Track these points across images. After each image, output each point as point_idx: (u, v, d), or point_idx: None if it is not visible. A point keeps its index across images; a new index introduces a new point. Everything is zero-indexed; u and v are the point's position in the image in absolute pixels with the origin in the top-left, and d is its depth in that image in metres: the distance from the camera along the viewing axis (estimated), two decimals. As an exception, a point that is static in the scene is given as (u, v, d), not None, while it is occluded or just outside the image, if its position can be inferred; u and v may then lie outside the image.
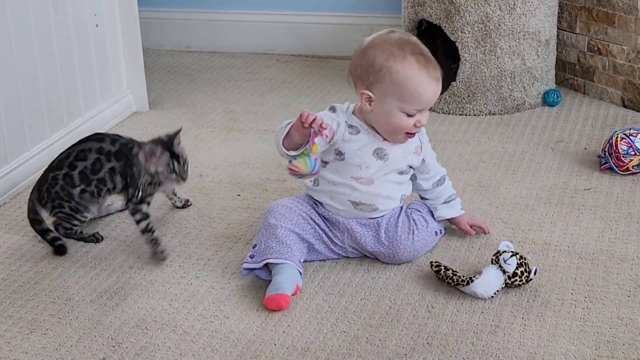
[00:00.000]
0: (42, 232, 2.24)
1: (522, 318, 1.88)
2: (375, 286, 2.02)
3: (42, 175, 2.27)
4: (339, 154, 2.04)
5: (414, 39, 2.03)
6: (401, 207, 2.13)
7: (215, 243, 2.23)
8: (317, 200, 2.12)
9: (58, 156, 2.26)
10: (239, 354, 1.79)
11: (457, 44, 2.96)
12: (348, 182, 2.05)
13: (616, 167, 2.51)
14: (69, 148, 2.26)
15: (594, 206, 2.36)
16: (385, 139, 2.04)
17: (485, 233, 2.21)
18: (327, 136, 1.94)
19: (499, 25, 2.91)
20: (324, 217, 2.11)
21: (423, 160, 2.11)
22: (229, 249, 2.20)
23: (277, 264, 2.00)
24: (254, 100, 3.25)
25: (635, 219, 2.28)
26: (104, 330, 1.88)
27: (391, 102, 1.98)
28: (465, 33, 2.93)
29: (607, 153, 2.53)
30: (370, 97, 1.99)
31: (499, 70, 2.97)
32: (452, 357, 1.75)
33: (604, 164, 2.55)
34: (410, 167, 2.10)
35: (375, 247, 2.08)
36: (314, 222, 2.10)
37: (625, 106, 3.03)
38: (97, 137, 2.25)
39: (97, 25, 2.92)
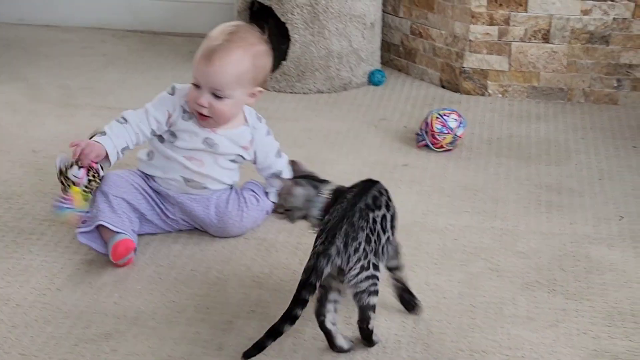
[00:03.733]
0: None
1: (340, 285, 2.03)
2: (204, 258, 2.13)
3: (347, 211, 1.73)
4: (172, 135, 2.14)
5: (243, 31, 2.13)
6: (231, 186, 2.24)
7: (48, 218, 2.28)
8: (148, 175, 2.21)
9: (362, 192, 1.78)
10: (71, 324, 1.86)
11: (287, 25, 3.09)
12: (181, 160, 2.15)
13: (432, 144, 2.71)
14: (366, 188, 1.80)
15: (410, 181, 2.55)
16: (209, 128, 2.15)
17: None
18: (97, 170, 2.09)
19: (327, 8, 3.05)
20: (156, 191, 2.20)
21: (255, 152, 2.23)
22: (62, 223, 2.25)
23: (112, 230, 2.07)
24: (89, 75, 3.28)
25: (446, 192, 2.48)
26: None
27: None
28: (295, 15, 3.06)
29: (423, 131, 2.73)
30: None
31: (327, 50, 3.12)
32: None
33: (420, 141, 2.75)
34: (242, 157, 2.21)
35: (205, 220, 2.19)
36: (147, 193, 2.19)
37: (443, 87, 3.25)
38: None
39: None
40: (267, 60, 2.16)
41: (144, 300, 1.95)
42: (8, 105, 2.98)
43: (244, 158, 2.21)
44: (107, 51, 3.55)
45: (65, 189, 2.07)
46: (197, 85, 2.09)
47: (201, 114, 2.11)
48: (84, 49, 3.57)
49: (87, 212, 2.08)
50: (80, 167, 2.06)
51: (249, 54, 2.09)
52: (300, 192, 1.85)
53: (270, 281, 2.04)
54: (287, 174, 2.25)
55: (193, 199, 2.19)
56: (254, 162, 2.24)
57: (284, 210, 1.87)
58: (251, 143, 2.21)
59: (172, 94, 2.15)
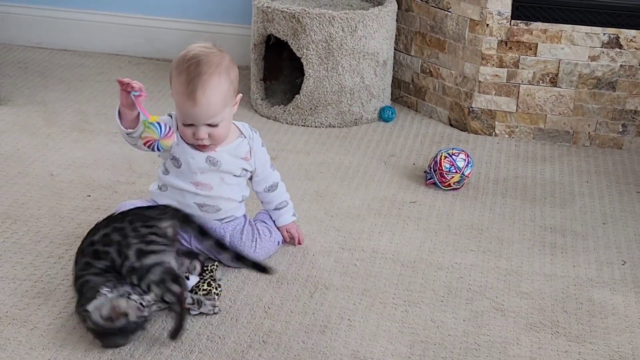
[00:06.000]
0: None
1: (349, 319, 2.09)
2: (217, 287, 2.19)
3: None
4: (175, 159, 2.20)
5: (205, 55, 2.14)
6: (245, 217, 2.31)
7: (65, 242, 2.34)
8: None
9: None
10: (87, 348, 1.92)
11: (302, 60, 3.16)
12: (191, 189, 2.21)
13: (439, 182, 2.78)
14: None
15: (417, 218, 2.61)
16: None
17: (294, 244, 2.40)
18: (145, 96, 2.07)
19: (342, 45, 3.13)
20: None
21: (254, 163, 2.28)
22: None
23: None
24: (104, 101, 3.35)
25: (452, 230, 2.54)
26: (-44, 324, 1.97)
27: (176, 108, 2.16)
28: (310, 50, 3.14)
29: (432, 169, 2.79)
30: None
31: (339, 86, 3.19)
32: (285, 354, 1.94)
33: (429, 179, 2.81)
34: (246, 170, 2.27)
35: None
36: None
37: (451, 125, 3.32)
38: None
39: (-50, 21, 2.95)
40: (235, 68, 2.20)
41: (158, 327, 2.01)
42: (25, 128, 3.05)
43: (247, 171, 2.27)
44: (123, 77, 3.60)
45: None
46: (189, 124, 2.14)
47: (201, 145, 2.18)
48: (100, 75, 3.63)
49: (165, 127, 2.07)
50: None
51: (222, 74, 2.12)
52: (131, 304, 1.89)
53: (281, 312, 2.09)
54: (283, 189, 2.36)
55: (209, 229, 2.25)
56: (253, 174, 2.30)
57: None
58: (251, 153, 2.27)
59: (171, 117, 2.22)
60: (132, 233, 1.98)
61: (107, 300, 1.88)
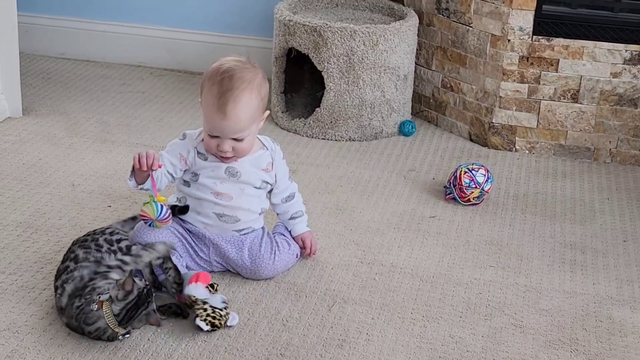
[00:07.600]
0: None
1: (367, 334, 2.08)
2: (235, 299, 2.19)
3: None
4: (194, 174, 2.22)
5: (239, 69, 2.15)
6: (263, 229, 2.32)
7: (85, 252, 2.35)
8: (183, 218, 2.28)
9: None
10: (106, 358, 1.92)
11: (323, 74, 3.17)
12: (211, 198, 2.23)
13: (459, 197, 2.77)
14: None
15: (437, 233, 2.60)
16: None
17: (308, 255, 2.40)
18: (162, 165, 2.16)
19: (363, 59, 3.13)
20: (190, 232, 2.27)
21: (275, 175, 2.30)
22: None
23: None
24: (127, 112, 3.37)
25: (472, 246, 2.53)
26: (-24, 333, 1.98)
27: (204, 119, 2.18)
28: (331, 64, 3.14)
29: (451, 184, 2.79)
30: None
31: (360, 100, 3.19)
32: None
33: (448, 194, 2.81)
34: (266, 182, 2.29)
35: (238, 262, 2.26)
36: (182, 236, 2.26)
37: (471, 140, 3.31)
38: None
39: (-25, 31, 2.98)
40: (267, 85, 2.21)
41: (176, 338, 2.01)
42: (48, 139, 3.07)
43: (267, 183, 2.28)
44: (145, 89, 3.64)
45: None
46: (215, 136, 2.16)
47: (225, 157, 2.20)
48: (122, 86, 3.65)
49: (165, 211, 2.13)
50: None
51: (254, 90, 2.14)
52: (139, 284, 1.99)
53: (299, 325, 2.09)
54: (299, 200, 2.38)
55: (227, 240, 2.26)
56: (273, 186, 2.31)
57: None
58: (272, 165, 2.29)
59: (183, 139, 2.24)
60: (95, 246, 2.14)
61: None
